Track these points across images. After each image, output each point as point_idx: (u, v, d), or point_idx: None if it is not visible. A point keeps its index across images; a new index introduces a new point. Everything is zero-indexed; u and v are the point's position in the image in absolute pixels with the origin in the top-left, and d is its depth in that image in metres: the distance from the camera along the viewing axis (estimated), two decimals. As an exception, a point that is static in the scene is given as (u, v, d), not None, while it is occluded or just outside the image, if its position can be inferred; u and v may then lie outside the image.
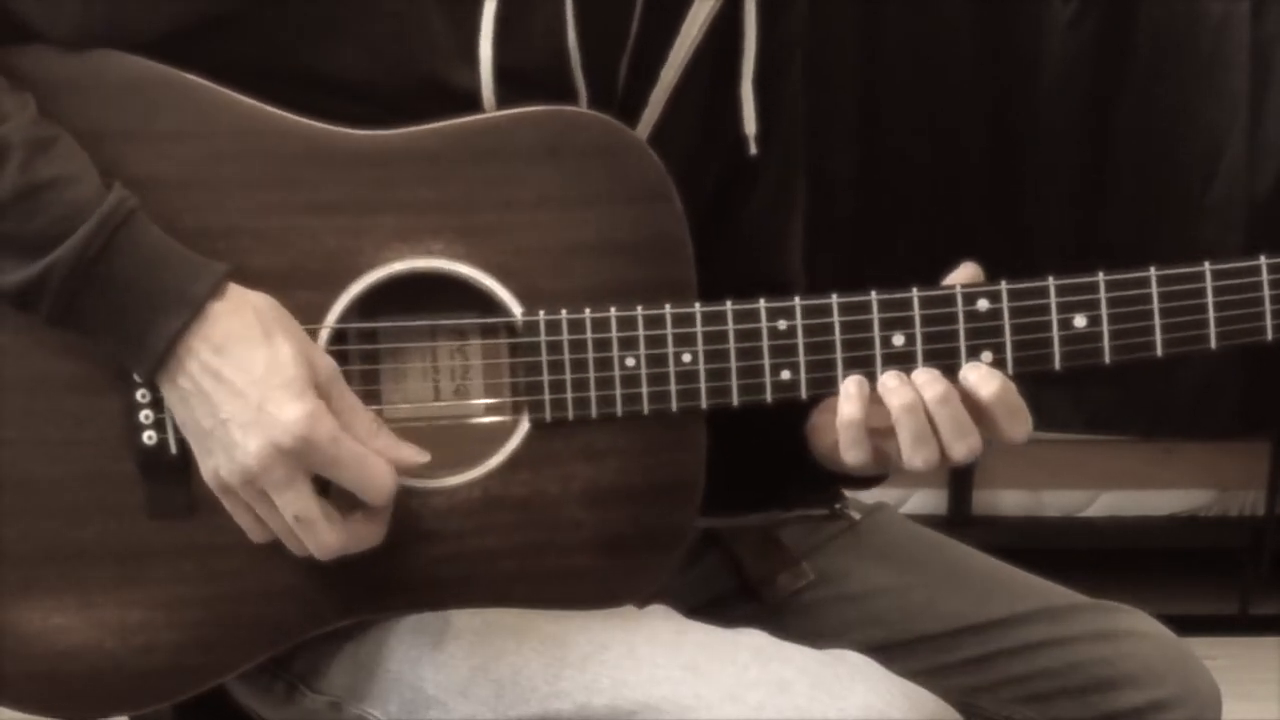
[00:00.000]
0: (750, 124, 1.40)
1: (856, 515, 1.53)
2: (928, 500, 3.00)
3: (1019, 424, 1.27)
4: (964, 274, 1.29)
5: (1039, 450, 3.00)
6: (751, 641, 1.25)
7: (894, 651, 1.43)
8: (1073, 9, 2.77)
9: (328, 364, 1.22)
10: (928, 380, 1.25)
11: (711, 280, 1.30)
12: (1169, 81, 2.80)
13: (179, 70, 1.25)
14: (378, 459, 1.21)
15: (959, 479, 2.99)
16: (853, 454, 1.27)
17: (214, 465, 1.22)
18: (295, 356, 1.20)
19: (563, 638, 1.26)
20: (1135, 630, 1.45)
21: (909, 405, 1.24)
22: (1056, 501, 3.07)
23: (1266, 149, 2.80)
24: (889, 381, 1.25)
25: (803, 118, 1.52)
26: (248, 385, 1.19)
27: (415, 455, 1.24)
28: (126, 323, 1.21)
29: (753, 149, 1.41)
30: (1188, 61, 2.79)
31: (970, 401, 1.25)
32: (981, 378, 1.25)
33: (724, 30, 1.38)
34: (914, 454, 1.25)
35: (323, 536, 1.21)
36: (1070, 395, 2.75)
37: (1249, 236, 2.80)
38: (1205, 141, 2.81)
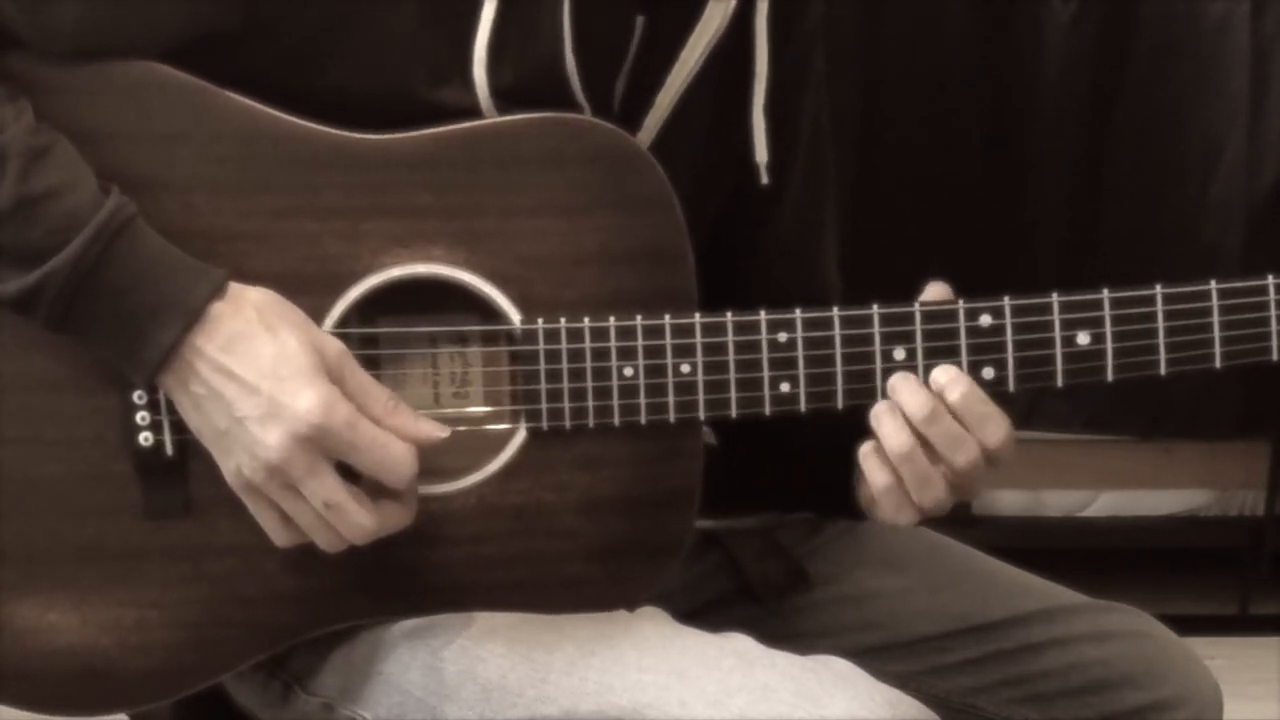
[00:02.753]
0: (761, 153, 1.40)
1: (858, 515, 1.53)
2: (927, 500, 3.00)
3: (992, 429, 1.25)
4: (934, 293, 1.28)
5: (1039, 450, 3.00)
6: (737, 646, 1.25)
7: (894, 653, 1.43)
8: (1073, 9, 2.77)
9: (335, 347, 1.22)
10: (920, 406, 1.24)
11: (736, 306, 1.29)
12: (1169, 81, 2.80)
13: (182, 73, 1.25)
14: (395, 441, 1.21)
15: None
16: (905, 516, 1.27)
17: (235, 465, 1.21)
18: (301, 345, 1.20)
19: (550, 642, 1.26)
20: (1136, 630, 1.45)
21: (908, 452, 1.24)
22: (1056, 501, 3.07)
23: (1266, 149, 2.80)
24: (884, 426, 1.24)
25: (828, 130, 1.50)
26: (258, 380, 1.19)
27: (434, 430, 1.23)
28: (123, 331, 1.21)
29: (764, 178, 1.40)
30: (1188, 61, 2.79)
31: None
32: (951, 380, 1.24)
33: (732, 53, 1.37)
34: (922, 496, 1.25)
35: (354, 519, 1.21)
36: (1070, 396, 2.75)
37: (1248, 236, 2.80)
38: (1205, 141, 2.81)
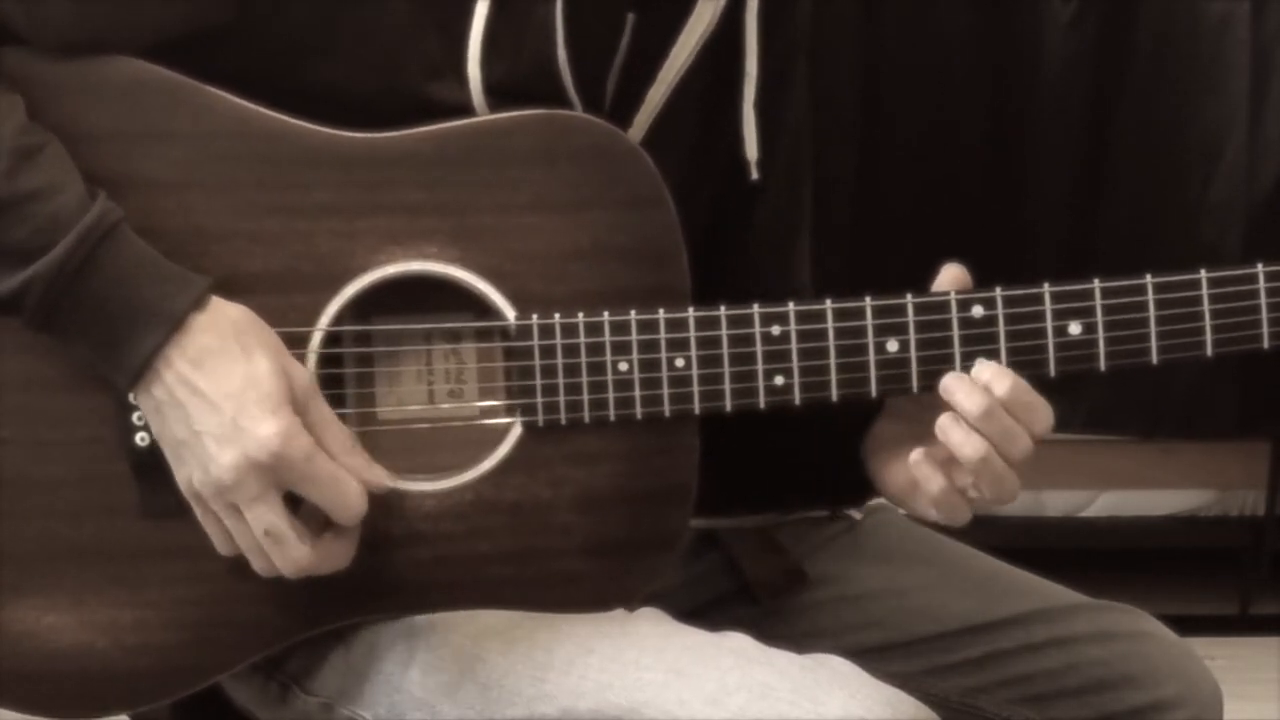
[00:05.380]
0: (752, 149, 1.40)
1: (857, 515, 1.52)
2: (928, 500, 2.99)
3: (1040, 418, 1.27)
4: (950, 275, 1.28)
5: (1039, 450, 2.99)
6: (735, 645, 1.25)
7: (893, 653, 1.43)
8: (1073, 9, 2.77)
9: (304, 378, 1.22)
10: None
11: (719, 299, 1.29)
12: (1169, 81, 2.80)
13: (174, 72, 1.25)
14: (350, 479, 1.21)
15: (958, 479, 2.99)
16: (960, 516, 1.30)
17: (187, 474, 1.22)
18: (271, 371, 1.20)
19: (549, 641, 1.26)
20: (1136, 630, 1.45)
21: (984, 456, 1.25)
22: (1056, 501, 3.06)
23: (1266, 149, 2.80)
24: (953, 436, 1.25)
25: (809, 127, 1.51)
26: (223, 399, 1.19)
27: (383, 478, 1.24)
28: (105, 336, 1.21)
29: (754, 174, 1.40)
30: (1188, 61, 2.79)
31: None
32: (995, 375, 1.25)
33: (721, 50, 1.37)
34: (1000, 493, 1.28)
35: (291, 553, 1.21)
36: (1069, 395, 2.75)
37: (1248, 236, 2.80)
38: (1205, 141, 2.81)
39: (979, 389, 1.25)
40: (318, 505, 1.22)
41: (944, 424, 1.25)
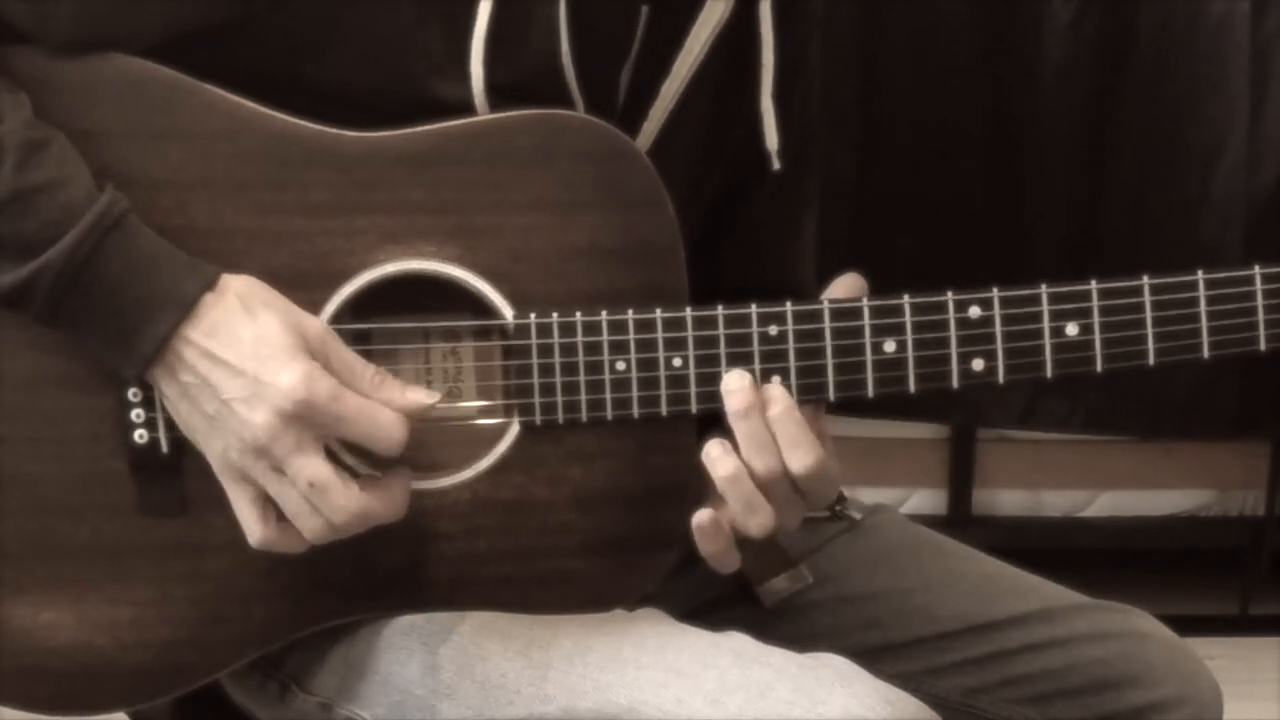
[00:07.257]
0: (772, 139, 1.40)
1: (857, 515, 1.52)
2: (928, 500, 3.00)
3: (799, 456, 1.25)
4: (845, 284, 1.28)
5: (1039, 450, 3.00)
6: (734, 645, 1.25)
7: (893, 653, 1.43)
8: (1073, 9, 2.77)
9: (317, 326, 1.23)
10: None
11: (718, 289, 1.29)
12: (1169, 81, 2.80)
13: (174, 71, 1.25)
14: (382, 408, 1.21)
15: (959, 479, 2.99)
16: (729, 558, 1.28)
17: (222, 449, 1.22)
18: (281, 325, 1.21)
19: (548, 641, 1.26)
20: (1135, 630, 1.45)
21: (733, 475, 1.24)
22: (1056, 501, 3.06)
23: (1267, 147, 2.79)
24: (712, 451, 1.25)
25: (819, 118, 1.51)
26: (241, 361, 1.20)
27: (424, 396, 1.24)
28: (114, 325, 1.21)
29: (775, 164, 1.40)
30: (1188, 61, 2.79)
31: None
32: (775, 397, 1.25)
33: (735, 41, 1.37)
34: (748, 521, 1.25)
35: (338, 499, 1.20)
36: (1069, 396, 2.75)
37: (1249, 235, 2.80)
38: (1205, 140, 2.80)
39: (752, 390, 1.24)
40: (358, 443, 1.22)
41: (709, 445, 1.25)
